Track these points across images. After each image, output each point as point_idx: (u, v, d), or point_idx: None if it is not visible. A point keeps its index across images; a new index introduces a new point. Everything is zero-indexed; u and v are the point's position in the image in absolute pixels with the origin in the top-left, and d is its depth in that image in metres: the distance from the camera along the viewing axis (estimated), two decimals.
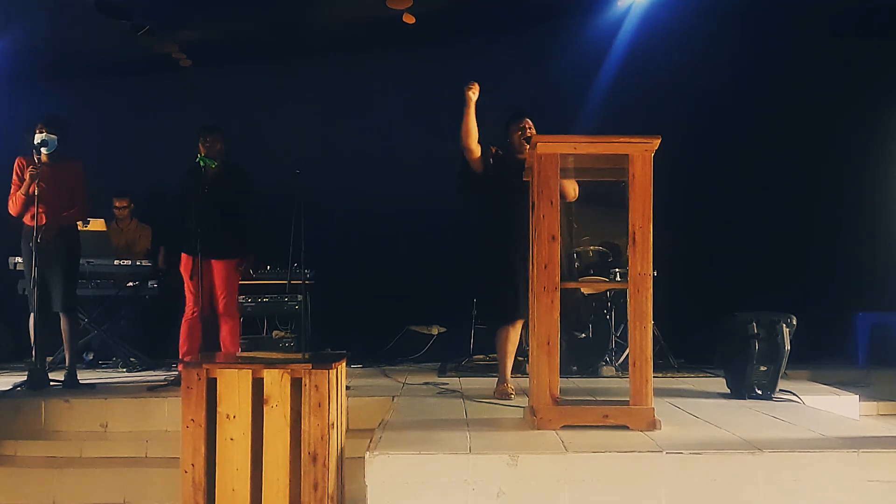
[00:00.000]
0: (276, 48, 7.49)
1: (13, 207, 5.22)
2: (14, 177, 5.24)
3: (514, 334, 4.68)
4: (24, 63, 6.88)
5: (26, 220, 5.21)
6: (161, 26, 6.70)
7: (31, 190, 5.06)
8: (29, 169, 5.10)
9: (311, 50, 7.50)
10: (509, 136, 4.76)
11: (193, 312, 5.24)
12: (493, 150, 4.75)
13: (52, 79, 7.32)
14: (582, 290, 5.81)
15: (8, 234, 5.54)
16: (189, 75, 7.62)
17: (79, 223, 5.53)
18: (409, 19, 6.82)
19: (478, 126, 4.67)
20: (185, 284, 5.30)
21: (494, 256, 4.70)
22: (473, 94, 4.59)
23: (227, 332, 5.35)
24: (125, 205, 6.94)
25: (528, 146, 4.51)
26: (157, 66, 7.46)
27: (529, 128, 4.69)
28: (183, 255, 5.34)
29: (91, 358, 6.55)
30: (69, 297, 5.32)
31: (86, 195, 5.37)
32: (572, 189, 4.61)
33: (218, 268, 5.28)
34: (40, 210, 5.05)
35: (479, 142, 4.67)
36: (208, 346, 5.26)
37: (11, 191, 5.23)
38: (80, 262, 5.64)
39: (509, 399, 4.50)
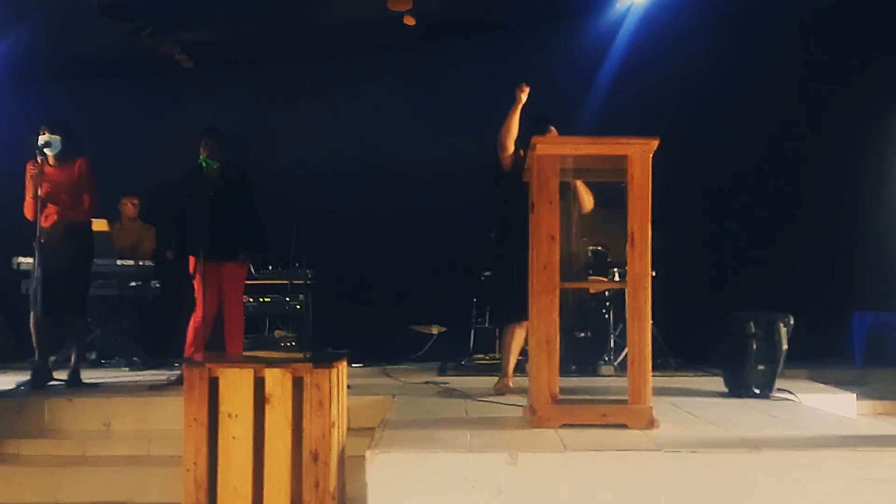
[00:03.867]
0: (278, 50, 7.52)
1: (27, 212, 5.22)
2: (27, 182, 5.24)
3: (521, 332, 4.70)
4: (27, 64, 6.91)
5: (42, 222, 5.21)
6: (163, 28, 6.72)
7: (36, 192, 5.07)
8: (30, 170, 5.12)
9: (312, 51, 7.52)
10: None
11: (203, 315, 5.24)
12: (522, 153, 4.73)
13: (54, 80, 7.35)
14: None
15: (11, 235, 5.56)
16: (191, 76, 7.64)
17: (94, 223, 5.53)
18: (410, 21, 6.84)
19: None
20: (196, 287, 5.28)
21: (505, 257, 4.71)
22: (524, 94, 4.64)
23: (234, 333, 5.35)
24: (137, 203, 6.97)
25: None
26: (159, 68, 7.49)
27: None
28: (191, 258, 5.31)
29: (94, 357, 6.57)
30: (78, 299, 5.32)
31: (94, 192, 5.35)
32: (588, 201, 4.65)
33: (225, 270, 5.27)
34: (50, 210, 5.08)
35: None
36: (212, 347, 5.27)
37: (26, 196, 5.23)
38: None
39: (506, 394, 4.52)
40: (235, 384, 3.40)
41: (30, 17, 6.15)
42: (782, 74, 7.12)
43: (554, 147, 3.59)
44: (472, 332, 6.65)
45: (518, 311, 4.60)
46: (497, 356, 6.14)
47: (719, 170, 6.98)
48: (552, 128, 4.69)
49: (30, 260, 5.33)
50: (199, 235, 5.10)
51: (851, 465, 3.03)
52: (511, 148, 4.73)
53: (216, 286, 5.23)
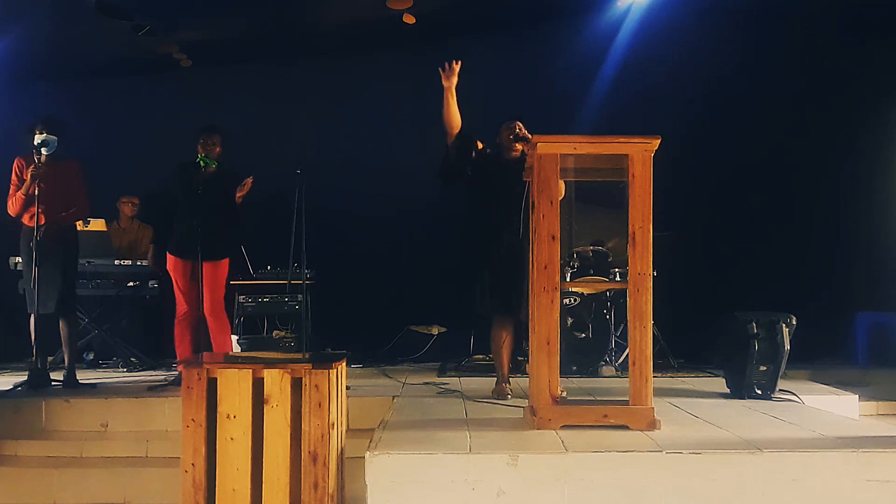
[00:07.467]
0: (277, 49, 7.51)
1: (12, 208, 5.22)
2: (13, 177, 5.24)
3: (509, 335, 4.69)
4: (25, 63, 6.90)
5: (25, 220, 5.21)
6: (161, 27, 6.71)
7: (31, 190, 5.06)
8: (30, 169, 5.09)
9: (311, 50, 7.52)
10: (499, 138, 4.75)
11: (184, 313, 5.24)
12: (480, 146, 4.80)
13: (52, 79, 7.34)
14: (582, 290, 5.82)
15: (8, 234, 5.54)
16: (189, 75, 7.63)
17: (78, 223, 5.53)
18: (410, 19, 6.83)
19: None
20: (174, 285, 5.28)
21: (467, 253, 4.78)
22: (447, 81, 4.68)
23: (217, 332, 5.32)
24: (137, 202, 6.96)
25: (517, 145, 4.59)
26: (158, 67, 7.47)
27: (520, 129, 4.66)
28: (169, 255, 5.29)
29: (91, 358, 6.55)
30: (67, 298, 5.32)
31: (85, 195, 5.37)
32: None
33: (206, 269, 5.21)
34: (39, 210, 5.06)
35: (465, 134, 4.76)
36: (207, 347, 5.26)
37: (10, 191, 5.23)
38: (81, 262, 5.65)
39: (506, 399, 4.51)
40: (234, 385, 3.39)
41: (28, 17, 6.13)
42: (783, 73, 7.09)
43: (554, 146, 3.58)
44: (472, 332, 6.62)
45: (477, 306, 4.66)
46: None
47: (721, 169, 6.96)
48: (518, 122, 4.70)
49: None
50: (182, 234, 5.08)
51: (853, 466, 3.03)
52: (452, 133, 4.75)
53: (196, 285, 5.18)
